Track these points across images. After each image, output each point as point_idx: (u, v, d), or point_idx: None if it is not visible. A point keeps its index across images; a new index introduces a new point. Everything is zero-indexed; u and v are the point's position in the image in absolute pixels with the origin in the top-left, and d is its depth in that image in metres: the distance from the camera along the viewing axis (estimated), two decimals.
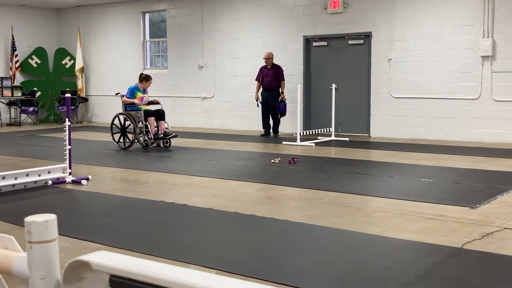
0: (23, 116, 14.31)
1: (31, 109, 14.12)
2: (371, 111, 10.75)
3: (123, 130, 9.08)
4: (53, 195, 5.36)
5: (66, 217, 4.42)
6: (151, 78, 9.03)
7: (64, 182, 6.01)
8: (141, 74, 9.03)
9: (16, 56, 14.26)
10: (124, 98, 8.93)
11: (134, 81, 12.55)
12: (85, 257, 1.23)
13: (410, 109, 10.31)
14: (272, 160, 7.36)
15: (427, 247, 3.55)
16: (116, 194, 5.39)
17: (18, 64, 14.36)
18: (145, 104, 8.99)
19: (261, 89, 11.10)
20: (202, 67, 12.85)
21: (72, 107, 14.23)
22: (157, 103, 9.23)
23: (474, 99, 9.70)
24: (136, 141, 8.96)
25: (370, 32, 10.59)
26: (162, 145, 9.13)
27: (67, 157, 6.08)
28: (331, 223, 4.18)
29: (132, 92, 8.89)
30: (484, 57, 9.53)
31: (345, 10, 10.81)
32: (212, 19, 12.58)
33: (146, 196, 5.26)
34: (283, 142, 9.66)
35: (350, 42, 10.95)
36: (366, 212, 4.56)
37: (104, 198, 5.22)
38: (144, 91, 9.03)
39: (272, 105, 10.84)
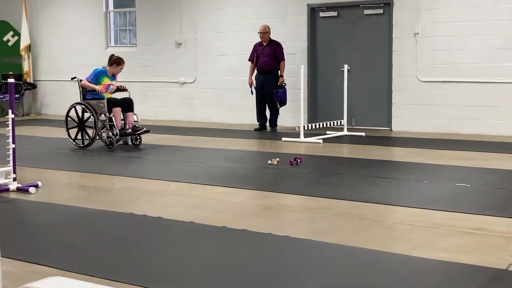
0: None
1: None
2: (392, 99, 10.77)
3: (81, 124, 9.06)
4: None
5: (10, 235, 4.40)
6: (123, 62, 9.01)
7: (7, 190, 5.98)
8: (112, 56, 9.00)
9: None
10: (84, 82, 8.90)
11: (94, 62, 12.54)
12: (35, 285, 1.23)
13: (441, 96, 10.33)
14: (269, 161, 7.36)
15: (464, 268, 3.56)
16: (72, 205, 5.37)
17: None
18: (110, 93, 8.96)
19: (255, 72, 11.09)
20: (180, 44, 12.82)
21: (17, 96, 14.16)
22: (124, 90, 9.20)
23: None
24: (97, 138, 8.93)
25: None
26: (130, 142, 9.11)
27: (11, 158, 6.05)
28: (343, 239, 4.19)
29: (97, 77, 8.86)
30: None
31: None
32: None
33: (110, 207, 5.25)
34: (283, 139, 9.66)
35: (366, 11, 10.97)
36: (386, 226, 4.56)
37: (57, 210, 5.20)
38: (113, 78, 9.01)
39: (269, 91, 10.84)
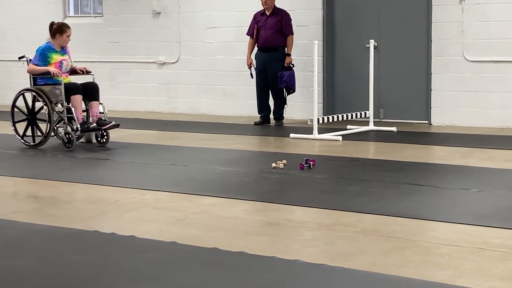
0: None
1: None
2: (432, 84, 10.75)
3: (32, 117, 9.05)
4: None
5: None
6: (68, 27, 8.96)
7: None
8: (51, 25, 8.99)
9: None
10: (31, 67, 8.89)
11: (48, 36, 12.49)
12: None
13: (495, 80, 10.32)
14: (274, 164, 7.35)
15: None
16: (19, 221, 5.34)
17: None
18: (67, 73, 8.95)
19: (255, 49, 11.07)
20: (159, 13, 12.82)
21: None
22: (87, 72, 9.18)
23: None
24: (52, 134, 8.92)
25: None
26: (95, 140, 9.10)
27: None
28: (368, 264, 4.18)
29: (43, 55, 8.84)
30: None
31: None
32: None
33: (69, 224, 5.22)
34: (291, 135, 9.66)
35: None
36: (424, 247, 4.54)
37: (0, 227, 5.18)
38: (64, 51, 8.98)
39: (273, 74, 10.83)
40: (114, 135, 9.37)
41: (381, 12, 11.13)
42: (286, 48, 10.87)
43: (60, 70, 8.76)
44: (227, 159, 7.99)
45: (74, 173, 7.27)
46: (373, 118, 10.46)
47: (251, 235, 4.91)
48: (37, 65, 8.82)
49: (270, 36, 10.83)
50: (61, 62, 8.86)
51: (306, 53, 11.09)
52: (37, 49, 8.96)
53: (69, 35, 8.97)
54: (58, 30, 8.89)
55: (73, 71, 9.13)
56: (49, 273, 4.10)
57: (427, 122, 10.87)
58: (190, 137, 9.79)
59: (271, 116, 11.18)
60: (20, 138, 9.04)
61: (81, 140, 9.15)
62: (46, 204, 6.01)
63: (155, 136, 9.88)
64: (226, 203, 5.87)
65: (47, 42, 8.97)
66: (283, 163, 7.35)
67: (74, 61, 9.21)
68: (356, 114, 10.34)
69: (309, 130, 9.65)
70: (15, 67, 13.69)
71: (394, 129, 10.10)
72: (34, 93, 8.89)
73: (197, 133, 10.08)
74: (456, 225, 5.05)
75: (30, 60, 8.98)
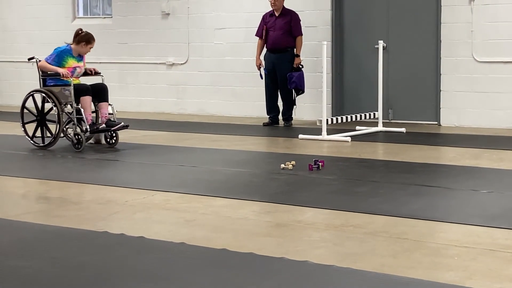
0: None
1: None
2: (441, 85, 10.73)
3: (41, 118, 9.07)
4: None
5: None
6: (94, 40, 8.97)
7: None
8: (79, 31, 8.96)
9: None
10: (43, 63, 8.89)
11: (59, 38, 12.51)
12: None
13: (504, 80, 10.29)
14: (283, 165, 7.35)
15: None
16: (29, 222, 5.36)
17: None
18: (77, 77, 8.97)
19: (264, 50, 11.08)
20: (168, 14, 12.83)
21: None
22: (96, 73, 9.20)
23: None
24: (62, 135, 8.93)
25: None
26: (104, 141, 9.12)
27: None
28: (377, 265, 4.17)
29: (60, 57, 8.85)
30: None
31: None
32: None
33: (78, 225, 5.24)
34: (300, 136, 9.66)
35: None
36: (434, 248, 4.54)
37: (10, 229, 5.19)
38: (80, 58, 9.00)
39: (282, 75, 10.83)
40: (123, 136, 9.38)
41: (390, 13, 11.12)
42: (295, 49, 10.87)
43: (72, 75, 8.76)
44: (236, 160, 8.00)
45: (84, 174, 7.29)
46: (382, 119, 10.44)
47: (260, 236, 4.91)
48: (50, 64, 8.82)
49: (279, 37, 10.84)
50: (74, 68, 8.88)
51: (315, 54, 11.09)
52: (56, 49, 8.95)
53: (92, 47, 9.00)
54: (85, 39, 8.86)
55: (83, 73, 9.12)
56: (58, 274, 4.11)
57: (436, 123, 10.86)
58: (199, 138, 9.80)
59: (280, 117, 11.18)
60: (29, 139, 9.06)
61: (90, 141, 9.17)
62: (55, 205, 6.03)
63: (164, 137, 9.90)
64: (235, 204, 5.87)
65: (68, 45, 8.96)
66: (292, 164, 7.35)
67: (86, 63, 9.23)
68: (365, 115, 10.32)
69: (318, 131, 9.65)
70: (25, 68, 13.69)
71: (403, 130, 10.09)
72: (43, 94, 8.90)
73: (206, 134, 10.09)
74: (465, 226, 5.05)
75: (39, 60, 8.98)
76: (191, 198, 6.12)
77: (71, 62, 8.87)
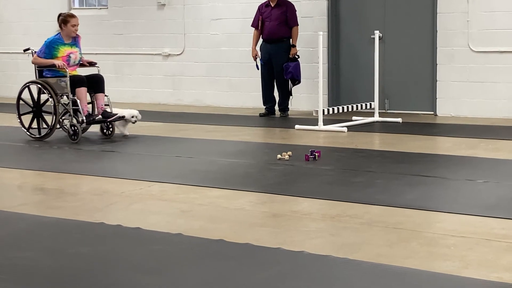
0: None
1: None
2: (437, 75, 10.73)
3: (37, 109, 9.05)
4: None
5: None
6: (72, 17, 8.86)
7: None
8: (59, 15, 8.96)
9: None
10: (35, 59, 8.85)
11: (54, 29, 12.45)
12: None
13: (500, 70, 10.28)
14: (279, 156, 7.35)
15: None
16: (26, 213, 5.36)
17: None
18: (75, 66, 8.94)
19: (260, 40, 11.06)
20: (164, 5, 12.79)
21: None
22: (92, 64, 9.18)
23: None
24: (58, 126, 8.92)
25: None
26: (100, 132, 9.11)
27: None
28: (373, 255, 4.18)
29: (50, 48, 8.80)
30: None
31: None
32: None
33: (75, 216, 5.24)
34: (297, 126, 9.65)
35: None
36: (430, 238, 4.55)
37: (7, 220, 5.19)
38: (74, 43, 8.93)
39: (278, 66, 10.82)
40: None
41: (386, 3, 11.09)
42: (291, 40, 10.85)
43: (68, 64, 8.72)
44: (232, 150, 7.99)
45: (80, 165, 7.28)
46: (378, 109, 10.44)
47: (256, 227, 4.92)
48: (42, 57, 8.79)
49: (275, 27, 10.82)
50: (68, 55, 8.83)
51: (311, 44, 11.07)
52: (45, 41, 8.92)
53: (75, 24, 8.87)
54: (62, 20, 8.85)
55: (79, 64, 9.11)
56: (55, 265, 4.11)
57: (432, 113, 10.85)
58: (196, 129, 9.79)
59: (276, 107, 11.17)
60: (26, 130, 9.05)
61: (86, 131, 9.13)
62: (52, 197, 6.03)
63: (160, 128, 9.89)
64: (232, 194, 5.87)
65: (57, 34, 8.93)
66: (288, 155, 7.35)
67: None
68: (361, 105, 10.32)
69: (314, 122, 9.64)
70: (21, 59, 13.68)
71: (399, 120, 10.08)
72: (39, 85, 8.88)
73: (203, 125, 10.08)
74: (462, 216, 5.06)
75: (35, 52, 8.96)
76: (187, 189, 6.12)
77: (64, 50, 8.81)
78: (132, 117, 8.97)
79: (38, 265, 4.12)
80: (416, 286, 3.65)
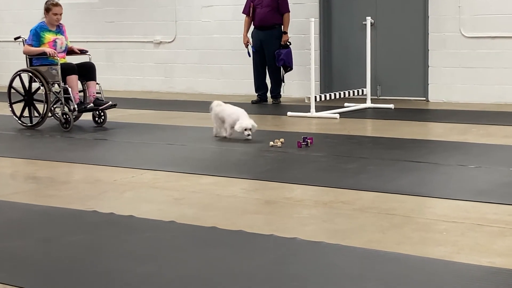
0: None
1: None
2: (429, 61, 10.73)
3: (29, 98, 9.03)
4: None
5: None
6: (55, 6, 8.78)
7: None
8: (44, 4, 8.93)
9: None
10: (26, 48, 8.83)
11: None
12: None
13: (492, 56, 10.30)
14: (271, 143, 7.35)
15: None
16: (18, 202, 5.35)
17: None
18: (63, 53, 8.91)
19: (252, 27, 11.03)
20: None
21: None
22: (83, 52, 9.15)
23: None
24: (50, 114, 8.90)
25: None
26: (92, 120, 9.09)
27: None
28: (366, 241, 4.19)
29: (37, 35, 8.76)
30: None
31: None
32: None
33: (67, 204, 5.24)
34: (289, 113, 9.66)
35: None
36: (422, 224, 4.56)
37: None
38: (58, 30, 8.90)
39: (270, 53, 10.81)
40: (112, 115, 9.35)
41: None
42: (282, 26, 10.84)
43: (55, 49, 8.70)
44: (224, 138, 7.99)
45: (72, 154, 7.27)
46: (370, 96, 10.44)
47: (249, 214, 4.92)
48: (31, 45, 8.76)
49: (266, 14, 10.80)
50: (54, 41, 8.78)
51: (303, 31, 11.06)
52: (31, 29, 8.89)
53: (57, 13, 8.81)
54: (46, 8, 8.84)
55: (70, 52, 9.08)
56: (48, 253, 4.11)
57: (424, 99, 10.87)
58: (188, 116, 9.78)
59: (268, 94, 11.17)
60: (17, 119, 9.03)
61: (78, 120, 9.11)
62: (44, 185, 6.02)
63: (152, 116, 9.87)
64: (224, 182, 5.87)
65: (41, 22, 8.91)
66: (280, 142, 7.35)
67: (70, 41, 9.16)
68: (353, 91, 10.32)
69: (307, 108, 9.65)
70: (12, 48, 13.63)
71: (391, 106, 10.10)
72: (30, 73, 8.85)
73: (195, 112, 10.07)
74: (454, 201, 5.07)
75: (26, 40, 8.93)
76: (179, 176, 6.12)
77: (49, 36, 8.78)
78: (245, 130, 7.64)
79: (30, 254, 4.11)
80: (408, 272, 3.66)
